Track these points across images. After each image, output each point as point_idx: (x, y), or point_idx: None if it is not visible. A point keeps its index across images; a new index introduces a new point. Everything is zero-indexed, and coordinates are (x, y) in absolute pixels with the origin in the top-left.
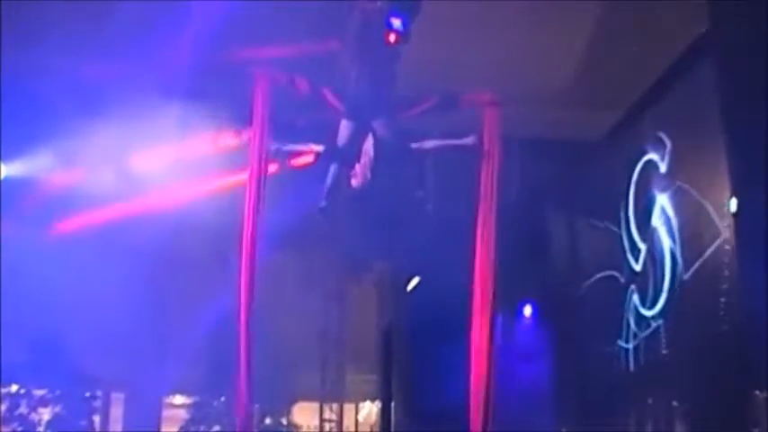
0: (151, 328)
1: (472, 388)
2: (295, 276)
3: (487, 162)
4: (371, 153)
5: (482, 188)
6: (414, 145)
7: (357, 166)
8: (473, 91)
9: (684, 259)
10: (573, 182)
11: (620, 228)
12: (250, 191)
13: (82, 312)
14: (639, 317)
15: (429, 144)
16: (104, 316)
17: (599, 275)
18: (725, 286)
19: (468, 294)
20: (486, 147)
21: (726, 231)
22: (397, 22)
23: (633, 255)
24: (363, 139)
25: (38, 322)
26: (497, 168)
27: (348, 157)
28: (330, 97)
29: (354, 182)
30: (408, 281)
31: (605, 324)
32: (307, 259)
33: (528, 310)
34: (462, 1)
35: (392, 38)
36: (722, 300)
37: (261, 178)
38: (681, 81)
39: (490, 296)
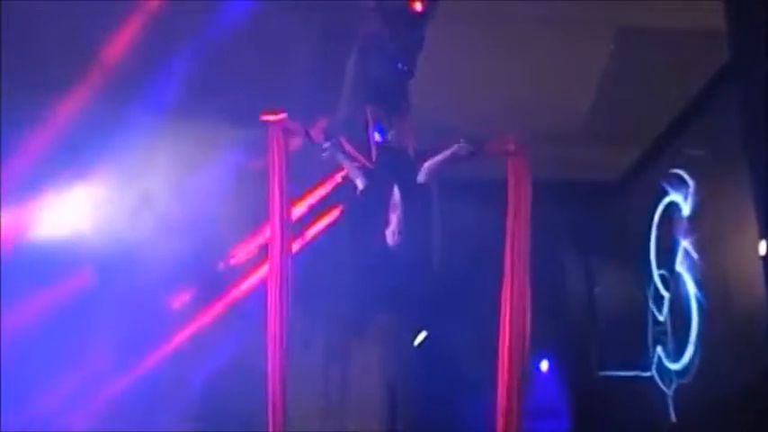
0: (144, 388)
1: None
2: (295, 332)
3: (515, 219)
4: (399, 206)
5: (509, 250)
6: None
7: (393, 221)
8: (496, 136)
9: (712, 308)
10: (589, 226)
11: (641, 275)
12: (273, 248)
13: (71, 372)
14: (664, 371)
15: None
16: (95, 375)
17: (619, 326)
18: (758, 338)
19: (486, 352)
20: (511, 202)
21: (755, 276)
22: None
23: (656, 304)
24: (390, 189)
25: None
26: (526, 224)
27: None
28: (347, 146)
29: (391, 239)
30: (415, 335)
31: (627, 379)
32: (307, 313)
33: (545, 365)
34: (471, 38)
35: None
36: (755, 353)
37: (285, 235)
38: (703, 116)
39: (520, 366)
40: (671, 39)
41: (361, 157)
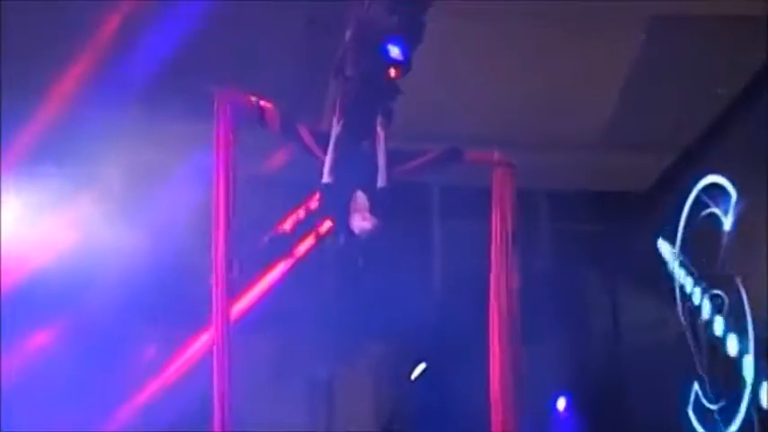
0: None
1: None
2: (273, 361)
3: (497, 235)
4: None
5: (493, 265)
6: None
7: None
8: (480, 149)
9: (757, 338)
10: (614, 242)
11: (674, 300)
12: (217, 238)
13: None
14: (702, 411)
15: None
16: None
17: (649, 359)
18: None
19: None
20: (494, 215)
21: None
22: (395, 51)
23: (691, 334)
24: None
25: None
26: (508, 240)
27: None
28: (306, 137)
29: (363, 224)
30: (412, 368)
31: (658, 421)
32: (287, 340)
33: (562, 404)
34: (487, 35)
35: (393, 72)
36: None
37: (228, 229)
38: (747, 117)
39: (511, 397)
40: (708, 29)
41: (317, 151)
